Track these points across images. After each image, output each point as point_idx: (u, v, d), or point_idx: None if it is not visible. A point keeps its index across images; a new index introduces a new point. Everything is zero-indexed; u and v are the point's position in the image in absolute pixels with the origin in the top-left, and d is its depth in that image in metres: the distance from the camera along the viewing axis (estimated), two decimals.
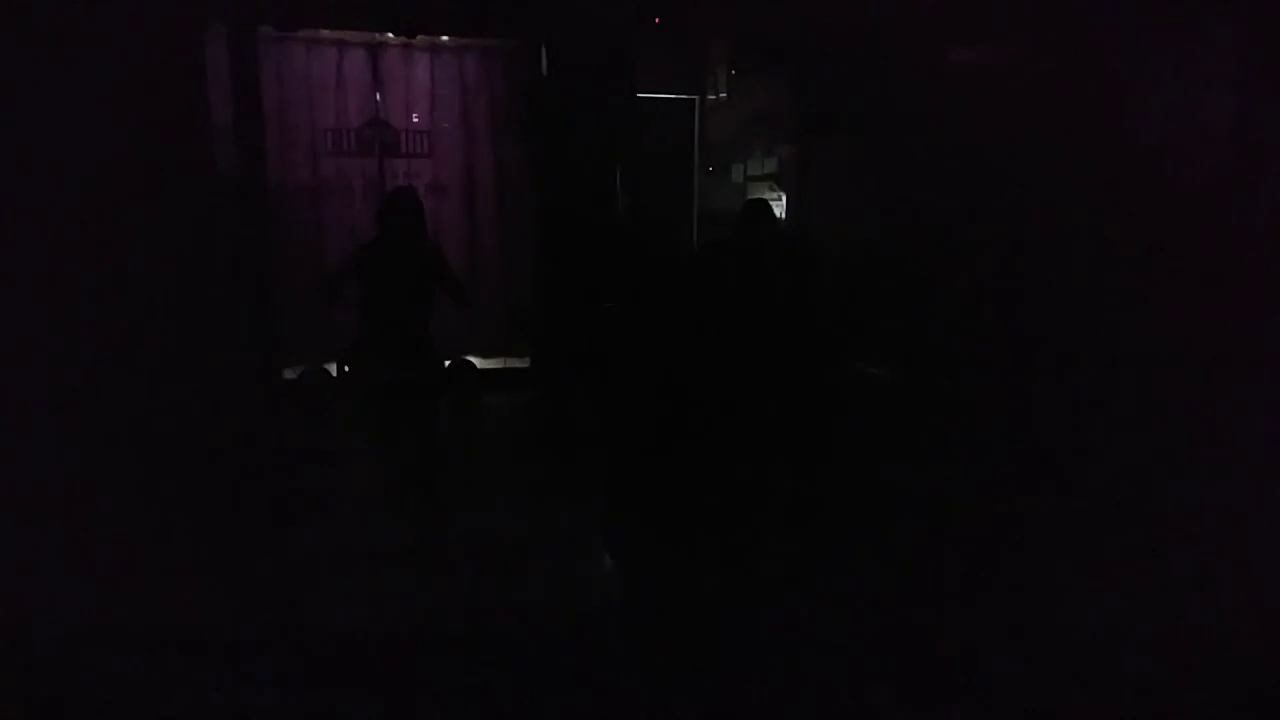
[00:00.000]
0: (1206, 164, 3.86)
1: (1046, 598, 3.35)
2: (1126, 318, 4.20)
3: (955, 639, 3.06)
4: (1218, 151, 3.83)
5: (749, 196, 6.59)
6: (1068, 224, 4.46)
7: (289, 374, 6.05)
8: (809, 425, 4.03)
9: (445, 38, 6.74)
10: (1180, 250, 3.91)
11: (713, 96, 7.38)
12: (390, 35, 6.56)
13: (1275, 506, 3.15)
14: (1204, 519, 3.43)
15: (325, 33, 6.49)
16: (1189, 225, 3.87)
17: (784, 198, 6.62)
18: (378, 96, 6.69)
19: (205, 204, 4.79)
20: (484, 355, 6.67)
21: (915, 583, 3.55)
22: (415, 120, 6.86)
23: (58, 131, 3.98)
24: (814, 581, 3.70)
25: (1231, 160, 3.78)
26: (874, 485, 4.64)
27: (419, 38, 6.56)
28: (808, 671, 2.83)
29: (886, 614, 3.27)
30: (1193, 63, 3.92)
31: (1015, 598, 3.38)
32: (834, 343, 4.14)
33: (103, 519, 3.47)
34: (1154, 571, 3.39)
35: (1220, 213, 3.77)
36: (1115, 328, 4.20)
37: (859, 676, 2.84)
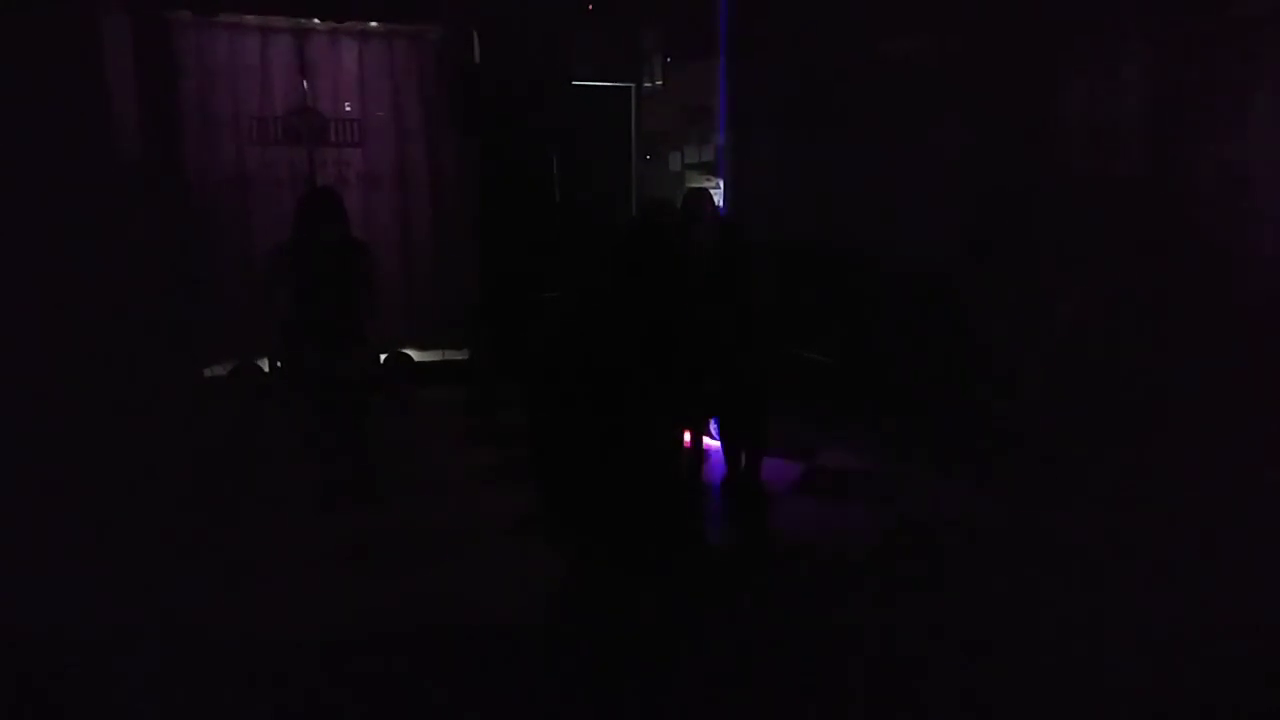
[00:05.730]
0: (1121, 154, 3.99)
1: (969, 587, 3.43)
2: (1057, 302, 4.32)
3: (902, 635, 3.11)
4: (1129, 143, 3.96)
5: (688, 185, 6.60)
6: (1001, 211, 4.57)
7: (220, 370, 5.88)
8: (749, 409, 4.08)
9: (374, 23, 6.58)
10: (1102, 236, 4.04)
11: (649, 84, 7.36)
12: (316, 21, 6.38)
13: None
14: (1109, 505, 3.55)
15: (248, 18, 6.28)
16: (1109, 212, 3.99)
17: (721, 185, 6.66)
18: (305, 84, 6.50)
19: (120, 199, 4.62)
20: (422, 348, 6.57)
21: (846, 568, 3.62)
22: (347, 109, 6.67)
23: None
24: (753, 571, 3.74)
25: (1139, 152, 3.91)
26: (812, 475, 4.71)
27: (347, 23, 6.41)
28: (742, 671, 2.86)
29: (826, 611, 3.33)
30: (1104, 52, 4.04)
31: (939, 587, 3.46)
32: (772, 327, 4.21)
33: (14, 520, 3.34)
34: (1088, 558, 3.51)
35: (1136, 200, 3.90)
36: (1045, 312, 4.33)
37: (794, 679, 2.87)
